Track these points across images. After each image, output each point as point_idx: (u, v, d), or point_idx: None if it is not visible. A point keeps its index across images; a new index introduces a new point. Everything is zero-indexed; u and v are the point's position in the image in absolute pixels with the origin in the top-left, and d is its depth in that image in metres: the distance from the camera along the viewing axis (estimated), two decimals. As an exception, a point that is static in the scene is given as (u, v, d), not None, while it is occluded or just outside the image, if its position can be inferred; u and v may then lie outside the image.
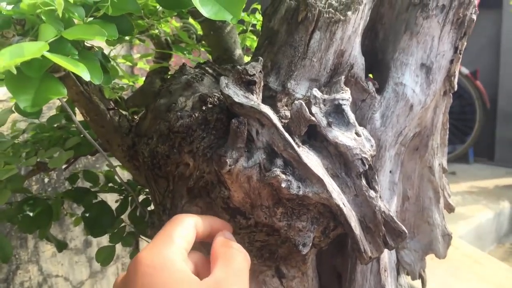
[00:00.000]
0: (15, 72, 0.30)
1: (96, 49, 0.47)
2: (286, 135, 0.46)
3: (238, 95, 0.47)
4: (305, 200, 0.47)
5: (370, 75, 0.65)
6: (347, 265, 0.59)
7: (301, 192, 0.45)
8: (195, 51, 0.75)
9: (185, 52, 0.66)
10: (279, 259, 0.54)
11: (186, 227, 0.39)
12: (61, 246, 0.72)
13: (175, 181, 0.51)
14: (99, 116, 0.55)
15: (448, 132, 0.67)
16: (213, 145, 0.48)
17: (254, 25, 0.85)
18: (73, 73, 0.49)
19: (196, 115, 0.49)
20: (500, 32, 3.90)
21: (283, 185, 0.44)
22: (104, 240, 1.23)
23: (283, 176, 0.44)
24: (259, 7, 0.81)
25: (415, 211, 0.66)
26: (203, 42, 0.79)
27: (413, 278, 0.66)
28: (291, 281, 0.56)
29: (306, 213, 0.48)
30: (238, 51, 0.69)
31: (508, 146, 3.94)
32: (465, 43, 0.60)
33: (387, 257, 0.61)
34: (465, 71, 3.61)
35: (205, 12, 0.39)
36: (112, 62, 0.60)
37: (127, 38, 0.65)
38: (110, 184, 0.72)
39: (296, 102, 0.48)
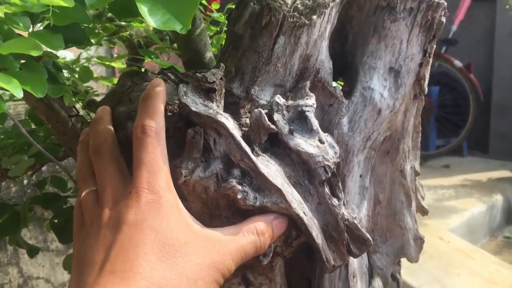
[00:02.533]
0: None
1: (49, 57, 0.46)
2: (243, 144, 0.45)
3: (196, 103, 0.46)
4: (264, 210, 0.46)
5: (340, 81, 0.64)
6: (315, 272, 0.59)
7: (258, 203, 0.44)
8: (164, 55, 0.74)
9: (152, 56, 0.65)
10: (245, 267, 0.53)
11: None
12: (33, 251, 0.71)
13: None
14: (61, 123, 0.54)
15: (420, 135, 0.67)
16: (171, 153, 0.47)
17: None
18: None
19: (154, 123, 0.48)
20: (494, 25, 3.89)
21: (239, 196, 0.44)
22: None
23: (239, 187, 0.44)
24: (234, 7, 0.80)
25: (387, 215, 0.65)
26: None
27: (385, 283, 0.66)
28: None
29: (267, 223, 0.47)
30: (209, 54, 0.68)
31: (501, 139, 3.94)
32: (434, 46, 0.59)
33: (357, 262, 0.61)
34: (459, 64, 3.61)
35: (153, 22, 0.38)
36: (84, 61, 0.59)
37: (93, 41, 0.64)
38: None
39: (255, 110, 0.47)
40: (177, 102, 0.50)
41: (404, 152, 0.63)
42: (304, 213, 0.47)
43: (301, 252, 0.56)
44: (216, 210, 0.46)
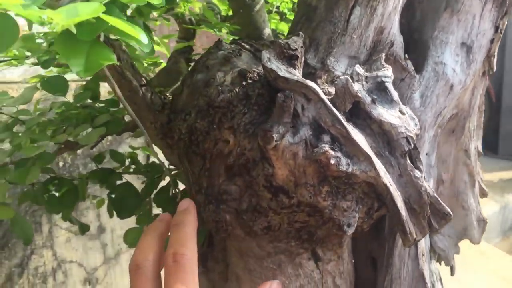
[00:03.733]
0: (75, 31, 0.29)
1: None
2: (334, 110, 0.44)
3: (281, 69, 0.46)
4: (352, 179, 0.45)
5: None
6: (384, 250, 0.58)
7: (350, 169, 0.43)
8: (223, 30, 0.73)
9: (215, 30, 0.64)
10: (317, 242, 0.52)
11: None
12: (84, 228, 0.70)
13: (212, 159, 0.49)
14: (132, 92, 0.53)
15: (483, 115, 0.66)
16: (254, 121, 0.46)
17: (277, 7, 0.84)
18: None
19: (237, 90, 0.47)
20: (506, 28, 3.88)
21: (332, 161, 0.43)
22: (117, 227, 1.22)
23: (332, 152, 0.43)
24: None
25: (450, 196, 0.64)
26: (227, 23, 0.77)
27: (447, 264, 0.65)
28: (326, 264, 0.55)
29: (352, 193, 0.46)
30: (268, 30, 0.68)
31: (511, 140, 3.93)
32: (506, 23, 0.59)
33: (423, 242, 0.60)
34: (471, 64, 3.59)
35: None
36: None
37: (155, 14, 0.63)
38: (133, 166, 0.70)
39: (341, 77, 0.47)
40: (256, 70, 0.49)
41: (470, 131, 0.62)
42: (390, 183, 0.46)
43: (367, 231, 0.55)
44: (302, 178, 0.45)
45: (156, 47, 0.89)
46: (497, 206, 2.91)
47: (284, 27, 0.83)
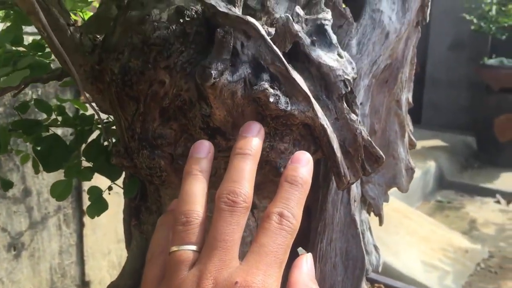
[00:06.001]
0: None
1: None
2: (274, 47, 0.43)
3: (220, 6, 0.44)
4: (290, 119, 0.45)
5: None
6: (318, 196, 0.59)
7: (289, 108, 0.43)
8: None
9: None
10: (253, 188, 0.52)
11: None
12: (7, 185, 0.66)
13: (146, 102, 0.47)
14: (58, 31, 0.49)
15: (414, 68, 0.68)
16: (192, 60, 0.45)
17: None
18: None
19: (174, 27, 0.45)
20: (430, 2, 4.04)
21: (271, 99, 0.42)
22: (44, 190, 1.16)
23: (272, 90, 0.42)
24: None
25: (381, 145, 0.66)
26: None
27: (377, 212, 0.67)
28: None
29: (289, 134, 0.46)
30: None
31: (433, 109, 4.14)
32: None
33: (355, 189, 0.62)
34: (398, 36, 3.71)
35: None
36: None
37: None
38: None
39: (282, 15, 0.46)
40: (194, 8, 0.47)
41: (402, 82, 0.64)
42: (327, 124, 0.46)
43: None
44: (240, 119, 0.44)
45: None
46: (419, 172, 3.07)
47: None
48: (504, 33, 3.45)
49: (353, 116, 0.49)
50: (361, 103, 0.61)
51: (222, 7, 0.44)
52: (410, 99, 0.68)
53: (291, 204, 0.38)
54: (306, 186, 0.40)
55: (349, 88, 0.49)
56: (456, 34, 3.91)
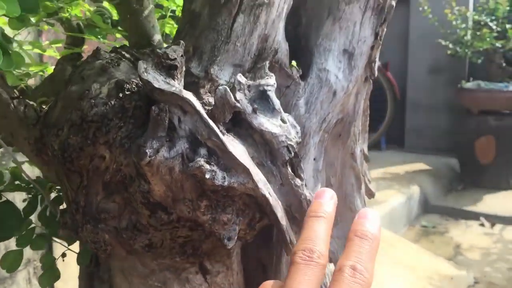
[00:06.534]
0: None
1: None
2: (210, 122, 0.43)
3: (158, 80, 0.44)
4: (230, 191, 0.44)
5: (293, 62, 0.64)
6: (273, 257, 0.58)
7: (226, 183, 0.43)
8: (111, 36, 0.70)
9: (99, 37, 0.61)
10: (203, 255, 0.51)
11: None
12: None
13: (89, 175, 0.47)
14: (1, 105, 0.49)
15: (368, 119, 0.68)
16: (131, 135, 0.45)
17: (173, 11, 0.82)
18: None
19: (113, 102, 0.45)
20: (408, 27, 4.11)
21: (207, 176, 0.42)
22: (13, 244, 1.14)
23: (207, 166, 0.42)
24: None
25: (338, 198, 0.65)
26: (119, 27, 0.74)
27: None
28: (215, 276, 0.54)
29: (232, 205, 0.46)
30: (157, 37, 0.66)
31: (416, 133, 4.17)
32: (385, 29, 0.61)
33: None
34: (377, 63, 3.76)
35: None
36: (15, 46, 0.54)
37: (33, 20, 0.59)
38: (17, 182, 0.65)
39: (220, 87, 0.46)
40: (135, 81, 0.47)
41: (355, 135, 0.64)
42: (269, 193, 0.46)
43: (256, 238, 0.55)
44: (180, 193, 0.44)
45: (49, 52, 0.84)
46: (403, 198, 3.08)
47: (179, 32, 0.81)
48: (480, 57, 3.51)
49: (298, 182, 0.49)
50: (314, 159, 0.61)
51: (160, 82, 0.44)
52: (366, 150, 0.68)
53: (363, 258, 0.38)
54: (377, 241, 0.41)
55: (293, 153, 0.49)
56: (434, 59, 3.97)
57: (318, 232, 0.40)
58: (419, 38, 4.01)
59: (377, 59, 0.62)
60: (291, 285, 0.36)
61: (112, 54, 0.51)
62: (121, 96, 0.45)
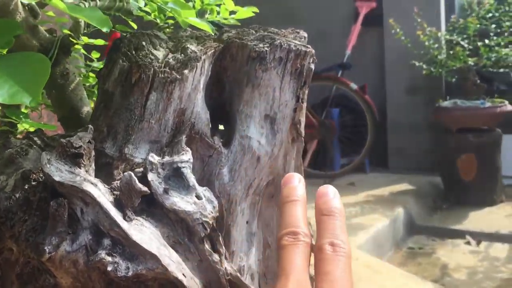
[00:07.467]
0: None
1: None
2: (112, 213, 0.43)
3: (61, 171, 0.44)
4: (141, 277, 0.44)
5: (221, 126, 0.65)
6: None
7: (130, 273, 0.43)
8: (36, 113, 0.70)
9: (21, 117, 0.61)
10: None
11: None
12: None
13: (2, 267, 0.47)
14: None
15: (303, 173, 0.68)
16: (37, 227, 0.44)
17: None
18: None
19: (17, 196, 0.45)
20: (383, 48, 4.16)
21: (109, 268, 0.42)
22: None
23: (109, 258, 0.42)
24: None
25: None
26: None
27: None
28: None
29: (146, 288, 0.46)
30: (86, 109, 0.66)
31: (398, 154, 4.19)
32: (307, 91, 0.62)
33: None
34: (354, 86, 3.81)
35: (-1, 96, 0.36)
36: None
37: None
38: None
39: (125, 174, 0.46)
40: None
41: (288, 194, 0.64)
42: (183, 274, 0.46)
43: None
44: (88, 284, 0.44)
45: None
46: (388, 220, 3.07)
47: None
48: (454, 75, 3.56)
49: (216, 257, 0.49)
50: (247, 222, 0.61)
51: (64, 172, 0.44)
52: (303, 207, 0.68)
53: (337, 233, 0.40)
54: (343, 213, 0.43)
55: (209, 230, 0.49)
56: (411, 79, 4.02)
57: (297, 215, 0.42)
58: (394, 59, 4.07)
59: (302, 120, 0.62)
60: (284, 265, 0.39)
61: (24, 141, 0.51)
62: (26, 187, 0.45)
